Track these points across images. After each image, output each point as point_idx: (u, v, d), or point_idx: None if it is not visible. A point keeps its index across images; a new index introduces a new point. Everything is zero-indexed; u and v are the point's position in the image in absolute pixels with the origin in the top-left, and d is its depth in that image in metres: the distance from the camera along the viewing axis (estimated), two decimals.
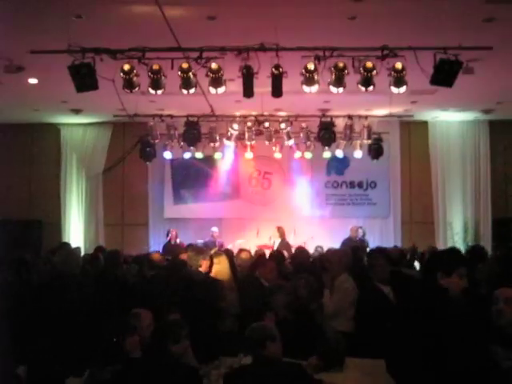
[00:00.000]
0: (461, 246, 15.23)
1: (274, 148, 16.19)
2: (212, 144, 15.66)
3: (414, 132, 17.81)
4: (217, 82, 9.68)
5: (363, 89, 9.72)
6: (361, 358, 5.98)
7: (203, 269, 7.74)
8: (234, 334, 6.52)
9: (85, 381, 5.09)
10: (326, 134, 14.26)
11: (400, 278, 7.85)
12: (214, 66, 9.43)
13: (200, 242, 15.72)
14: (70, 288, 7.01)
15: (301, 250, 11.25)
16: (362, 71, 9.43)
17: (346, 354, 5.84)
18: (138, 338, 5.28)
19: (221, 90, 9.84)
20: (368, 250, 13.71)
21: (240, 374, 4.91)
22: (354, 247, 12.06)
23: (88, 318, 6.33)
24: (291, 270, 9.55)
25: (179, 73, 9.49)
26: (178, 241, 15.55)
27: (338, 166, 17.64)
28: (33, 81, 12.75)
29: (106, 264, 9.27)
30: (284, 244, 15.08)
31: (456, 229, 17.07)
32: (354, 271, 7.85)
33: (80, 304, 6.65)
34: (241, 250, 9.77)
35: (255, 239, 15.98)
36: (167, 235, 15.81)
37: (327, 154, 16.05)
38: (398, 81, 9.63)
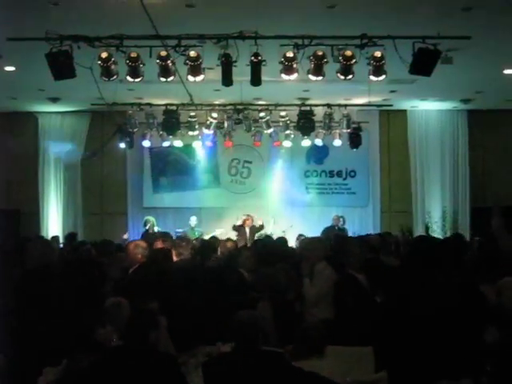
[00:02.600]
0: (439, 235, 15.36)
1: (253, 137, 16.16)
2: (191, 133, 15.61)
3: (393, 121, 17.87)
4: (196, 70, 9.65)
5: (342, 77, 9.73)
6: (342, 345, 5.98)
7: None
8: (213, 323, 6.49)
9: (62, 370, 5.05)
10: (306, 122, 14.29)
11: (377, 267, 7.90)
12: (192, 54, 9.39)
13: (179, 231, 15.71)
14: (51, 277, 6.97)
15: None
16: (341, 60, 9.43)
17: (325, 342, 5.85)
18: (115, 326, 5.27)
19: (199, 78, 9.81)
20: None
21: (220, 362, 4.90)
22: (336, 234, 12.11)
23: (66, 308, 6.29)
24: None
25: (157, 61, 9.44)
26: (155, 229, 15.45)
27: (317, 155, 17.66)
28: (10, 68, 12.62)
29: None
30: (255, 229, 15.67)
31: (434, 218, 17.17)
32: (331, 259, 7.85)
33: (60, 293, 6.60)
34: (227, 240, 9.93)
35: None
36: (145, 224, 15.70)
37: (306, 143, 16.06)
38: (378, 70, 9.65)
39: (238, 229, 15.62)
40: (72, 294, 6.44)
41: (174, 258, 8.38)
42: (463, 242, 10.04)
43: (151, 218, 15.68)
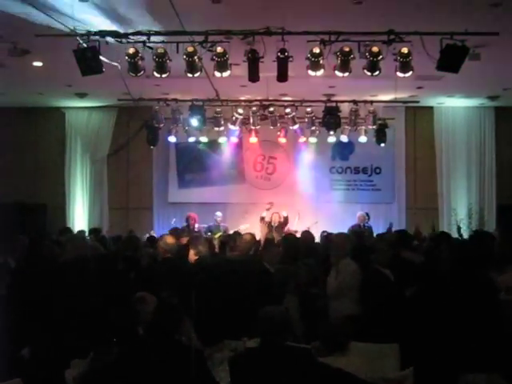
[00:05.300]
0: (465, 232, 15.29)
1: (278, 133, 16.20)
2: (217, 128, 15.65)
3: (420, 118, 17.78)
4: (222, 66, 9.68)
5: (369, 74, 9.71)
6: (368, 341, 5.97)
7: None
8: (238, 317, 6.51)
9: (88, 363, 5.10)
10: (331, 118, 14.25)
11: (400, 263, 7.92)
12: (219, 49, 9.42)
13: (204, 226, 15.74)
14: (85, 271, 7.05)
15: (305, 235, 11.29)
16: (367, 56, 9.42)
17: (350, 338, 5.83)
18: (142, 321, 5.32)
19: (226, 74, 9.84)
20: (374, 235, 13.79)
21: (247, 357, 4.92)
22: (357, 232, 12.11)
23: (95, 301, 6.35)
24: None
25: (184, 57, 9.47)
26: (196, 226, 15.42)
27: (343, 151, 17.61)
28: (37, 64, 12.71)
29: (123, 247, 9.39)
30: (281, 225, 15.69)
31: (460, 215, 17.03)
32: (356, 255, 7.85)
33: (91, 287, 6.68)
34: (244, 233, 9.92)
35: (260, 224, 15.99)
36: (186, 220, 15.62)
37: (332, 139, 16.02)
38: (404, 66, 9.61)
39: (266, 223, 15.64)
40: (102, 288, 6.53)
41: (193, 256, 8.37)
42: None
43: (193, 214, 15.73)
